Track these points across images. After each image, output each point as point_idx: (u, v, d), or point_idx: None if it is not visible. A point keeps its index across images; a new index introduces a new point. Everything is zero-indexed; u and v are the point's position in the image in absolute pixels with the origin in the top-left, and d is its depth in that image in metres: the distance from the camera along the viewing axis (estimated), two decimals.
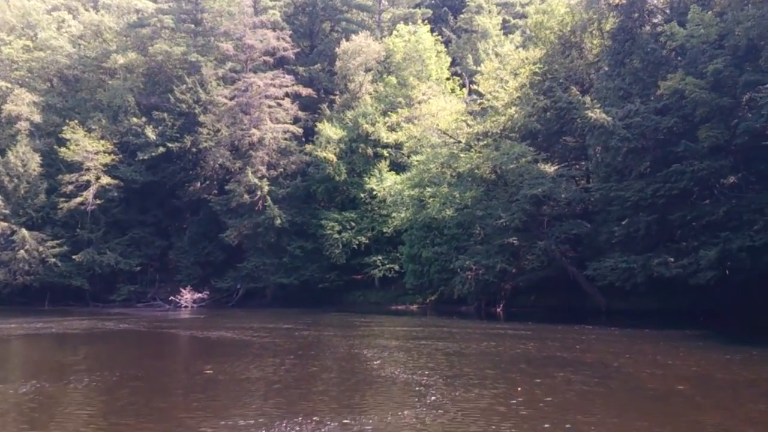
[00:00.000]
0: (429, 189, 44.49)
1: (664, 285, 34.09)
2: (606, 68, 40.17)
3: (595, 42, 43.15)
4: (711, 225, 32.29)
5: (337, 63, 61.81)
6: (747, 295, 31.54)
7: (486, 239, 45.51)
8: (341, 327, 35.11)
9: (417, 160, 43.08)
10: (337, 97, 62.58)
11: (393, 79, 57.73)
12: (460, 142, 41.74)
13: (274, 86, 61.26)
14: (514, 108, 39.39)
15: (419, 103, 46.34)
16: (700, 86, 31.12)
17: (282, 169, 60.53)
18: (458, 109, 42.53)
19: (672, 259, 32.67)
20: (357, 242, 57.28)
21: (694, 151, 32.06)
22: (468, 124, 40.78)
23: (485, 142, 40.29)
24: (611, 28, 39.90)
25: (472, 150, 40.40)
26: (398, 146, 56.66)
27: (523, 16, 65.27)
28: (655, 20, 38.20)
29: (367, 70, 61.77)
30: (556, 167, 40.38)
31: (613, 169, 37.35)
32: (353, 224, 58.05)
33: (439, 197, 42.81)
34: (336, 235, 57.41)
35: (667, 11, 37.61)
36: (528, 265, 42.56)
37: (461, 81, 54.19)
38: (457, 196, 41.55)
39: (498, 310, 46.01)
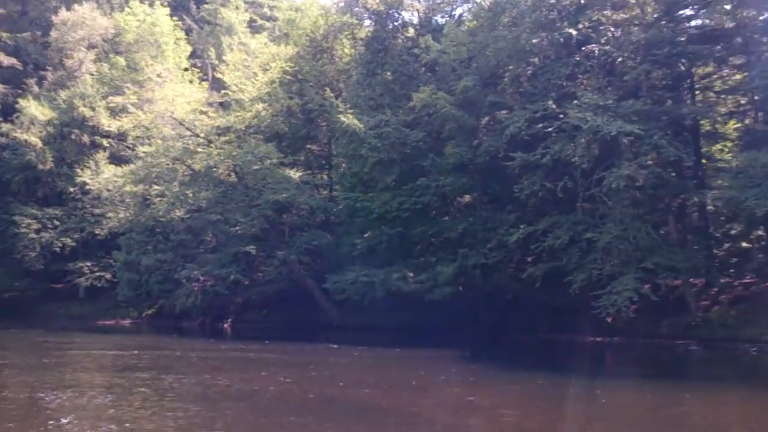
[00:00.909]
0: (157, 186, 39.05)
1: (403, 300, 33.40)
2: (357, 76, 39.14)
3: (346, 50, 42.11)
4: (449, 241, 32.53)
5: (53, 34, 52.81)
6: (476, 312, 32.11)
7: (219, 247, 41.38)
8: (26, 351, 27.63)
9: (144, 152, 37.47)
10: (50, 73, 53.34)
11: (121, 61, 50.79)
12: (198, 135, 37.23)
13: None
14: (261, 105, 36.26)
15: (152, 86, 40.70)
16: (449, 102, 31.20)
17: None
18: (198, 98, 38.05)
19: (411, 274, 32.13)
20: (60, 245, 48.77)
21: (440, 167, 32.05)
22: (209, 116, 36.54)
23: (227, 138, 36.40)
24: (365, 36, 39.07)
25: (212, 146, 36.20)
26: (122, 137, 49.62)
27: (271, 18, 62.78)
28: (409, 34, 38.21)
29: (91, 47, 53.76)
30: (300, 173, 38.06)
31: (359, 179, 36.19)
32: (57, 223, 49.41)
33: (168, 196, 37.66)
34: (33, 235, 48.29)
35: (418, 27, 37.82)
36: (264, 277, 39.37)
37: (201, 74, 49.55)
38: (190, 196, 36.94)
39: (226, 325, 42.06)
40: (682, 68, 30.08)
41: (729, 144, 31.03)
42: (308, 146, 40.97)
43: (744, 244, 30.14)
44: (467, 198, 34.51)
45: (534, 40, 29.07)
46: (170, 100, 37.31)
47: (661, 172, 25.54)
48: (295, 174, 37.73)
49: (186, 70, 48.99)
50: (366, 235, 35.40)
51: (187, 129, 37.03)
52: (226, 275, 37.69)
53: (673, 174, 27.96)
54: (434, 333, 31.49)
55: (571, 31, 28.08)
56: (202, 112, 37.35)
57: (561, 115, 27.48)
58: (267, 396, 16.81)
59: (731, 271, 29.52)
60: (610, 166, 25.86)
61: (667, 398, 16.51)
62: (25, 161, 48.76)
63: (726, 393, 17.59)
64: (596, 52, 28.44)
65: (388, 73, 37.65)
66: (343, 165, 38.94)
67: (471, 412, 15.08)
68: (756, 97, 28.77)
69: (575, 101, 26.22)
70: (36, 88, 52.13)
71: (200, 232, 43.17)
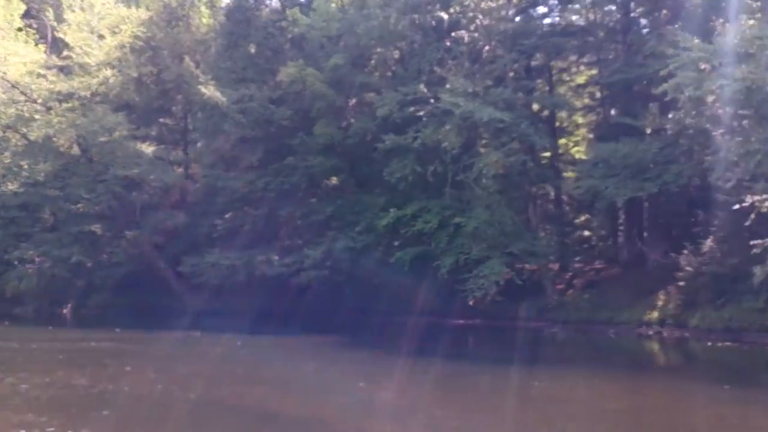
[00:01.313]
0: None
1: (264, 284, 31.77)
2: (217, 47, 36.51)
3: (204, 20, 39.20)
4: (316, 224, 31.39)
5: None
6: (342, 296, 31.28)
7: (58, 225, 37.22)
8: None
9: None
10: None
11: None
12: (35, 101, 32.86)
13: None
14: (110, 71, 32.64)
15: None
16: (319, 79, 29.87)
17: None
18: (36, 59, 33.55)
19: (276, 257, 30.64)
20: None
21: (309, 147, 30.72)
22: (48, 80, 32.30)
23: (70, 105, 32.41)
24: (226, 5, 36.51)
25: (51, 113, 32.07)
26: None
27: None
28: (274, 5, 36.19)
29: None
30: (153, 148, 34.94)
31: (220, 157, 33.93)
32: None
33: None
34: None
35: None
36: (110, 259, 35.95)
37: (38, 36, 44.00)
38: (25, 168, 32.66)
39: (65, 311, 38.10)
40: (541, 61, 30.91)
41: (578, 137, 32.39)
42: (162, 120, 37.78)
43: (588, 233, 31.68)
44: (335, 180, 33.43)
45: (404, 22, 28.43)
46: (2, 59, 32.58)
47: (527, 159, 25.99)
48: (147, 148, 34.58)
49: (20, 30, 43.34)
50: (227, 216, 33.31)
51: (22, 93, 32.58)
52: (66, 256, 33.91)
53: (532, 163, 28.64)
54: (298, 318, 30.30)
55: (442, 14, 27.72)
56: (39, 75, 32.98)
57: (432, 100, 27.13)
58: (142, 400, 13.83)
59: (581, 257, 30.89)
60: (478, 153, 25.89)
61: (520, 376, 16.64)
62: None
63: (577, 371, 17.88)
64: (465, 38, 28.33)
65: (252, 46, 35.45)
66: (201, 141, 36.32)
67: (396, 416, 12.75)
68: (604, 93, 30.19)
69: (447, 86, 25.89)
70: None
71: (36, 208, 38.70)
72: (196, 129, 36.77)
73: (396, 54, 30.97)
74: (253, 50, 35.24)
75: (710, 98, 20.16)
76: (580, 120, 32.58)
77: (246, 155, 32.98)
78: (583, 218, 30.70)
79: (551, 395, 14.52)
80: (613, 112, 29.98)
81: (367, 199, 30.75)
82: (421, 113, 27.06)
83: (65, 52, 33.92)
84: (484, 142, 26.93)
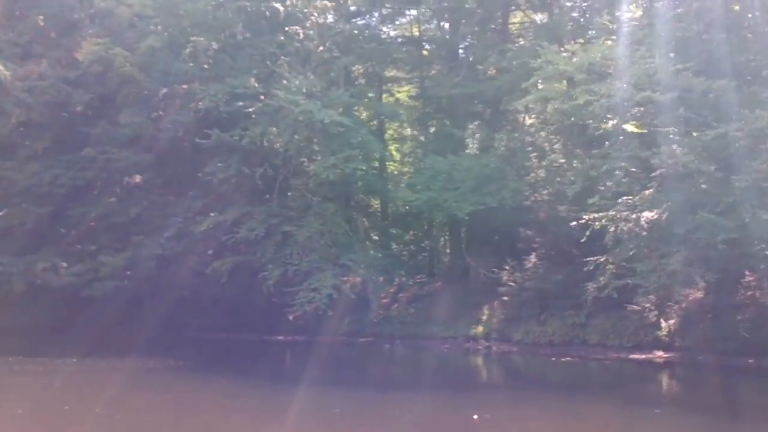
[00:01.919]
0: None
1: (50, 295, 26.33)
2: None
3: None
4: (116, 227, 26.87)
5: None
6: (144, 309, 26.91)
7: None
8: None
9: None
10: None
11: None
12: None
13: None
14: None
15: None
16: (129, 61, 25.64)
17: None
18: None
19: (65, 264, 25.63)
20: None
21: (112, 138, 26.21)
22: None
23: None
24: None
25: None
26: None
27: None
28: None
29: None
30: None
31: (8, 141, 27.74)
32: None
33: None
34: None
35: None
36: None
37: None
38: None
39: None
40: (373, 69, 29.72)
41: (408, 148, 31.70)
42: None
43: (412, 246, 30.85)
44: (138, 178, 28.97)
45: (233, 8, 25.46)
46: None
47: (363, 168, 24.36)
48: None
49: None
50: (1, 214, 27.32)
51: None
52: None
53: (363, 172, 27.11)
54: (88, 336, 25.51)
55: (278, 6, 25.25)
56: None
57: (262, 96, 24.45)
58: None
59: (404, 270, 29.83)
60: (312, 157, 23.77)
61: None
62: None
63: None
64: (301, 35, 26.11)
65: (41, 17, 29.71)
66: None
67: None
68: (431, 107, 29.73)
69: (284, 82, 23.38)
70: None
71: None
72: None
73: (216, 44, 27.63)
74: (42, 22, 29.54)
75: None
76: (408, 132, 31.85)
77: (29, 142, 27.37)
78: (410, 231, 29.70)
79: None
80: (433, 129, 29.57)
81: (180, 202, 26.95)
82: (251, 109, 24.21)
83: None
84: (316, 147, 24.74)
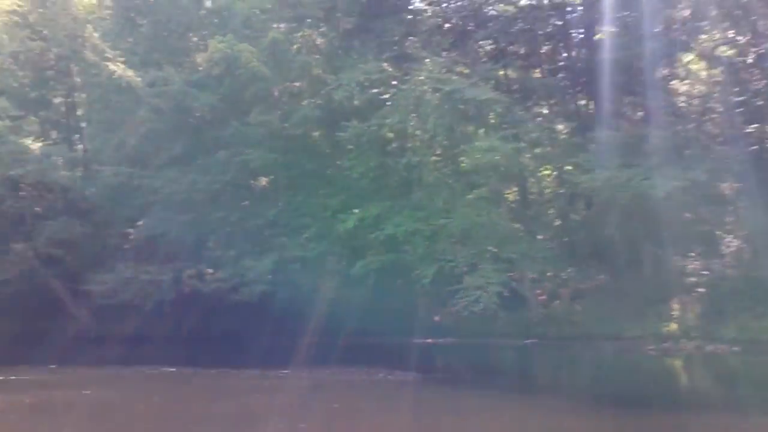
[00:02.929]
0: None
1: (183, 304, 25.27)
2: (113, 26, 29.00)
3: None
4: (253, 230, 25.25)
5: None
6: (296, 315, 25.14)
7: None
8: None
9: None
10: None
11: None
12: None
13: None
14: None
15: None
16: (256, 57, 23.68)
17: None
18: None
19: (211, 271, 24.29)
20: None
21: (244, 138, 24.48)
22: None
23: None
24: None
25: None
26: None
27: None
28: None
29: None
30: (41, 144, 27.35)
31: (126, 153, 26.78)
32: None
33: None
34: None
35: None
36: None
37: None
38: None
39: None
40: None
41: None
42: (44, 112, 29.96)
43: None
44: (264, 181, 27.27)
45: None
46: None
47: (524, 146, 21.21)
48: (33, 144, 27.00)
49: None
50: (139, 224, 26.37)
51: None
52: None
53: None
54: (231, 342, 24.26)
55: None
56: None
57: (394, 82, 21.93)
58: None
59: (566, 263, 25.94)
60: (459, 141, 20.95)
61: None
62: None
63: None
64: (428, 11, 23.28)
65: (158, 23, 28.37)
66: (98, 135, 28.75)
67: None
68: None
69: (427, 61, 20.67)
70: None
71: None
72: (91, 121, 29.25)
73: (339, 30, 25.31)
74: (157, 28, 28.21)
75: None
76: None
77: (161, 150, 26.16)
78: (568, 218, 25.59)
79: None
80: None
81: (317, 201, 24.99)
82: (386, 96, 21.74)
83: None
84: (467, 129, 21.88)
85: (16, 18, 28.37)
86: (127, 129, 25.45)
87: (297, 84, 25.29)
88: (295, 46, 24.98)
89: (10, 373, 17.69)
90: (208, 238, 25.90)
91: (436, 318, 23.59)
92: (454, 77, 19.69)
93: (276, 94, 25.06)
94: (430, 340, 23.55)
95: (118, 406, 14.09)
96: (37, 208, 28.23)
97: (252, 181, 27.38)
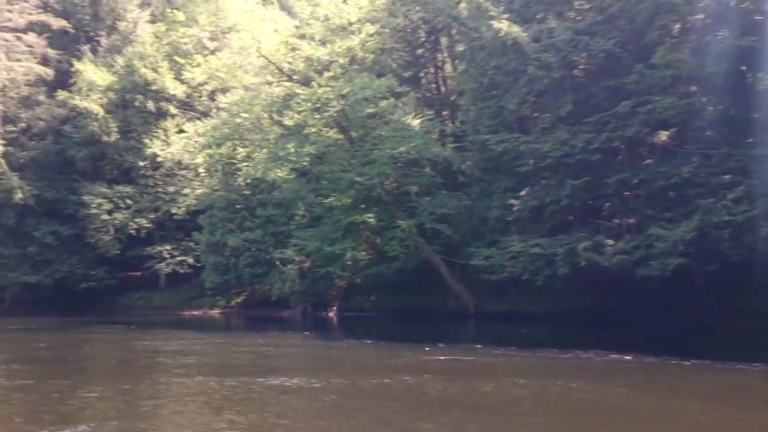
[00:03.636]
0: (241, 149, 28.89)
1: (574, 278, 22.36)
2: None
3: None
4: (660, 193, 21.13)
5: None
6: (708, 292, 20.69)
7: (317, 219, 31.03)
8: (91, 343, 18.58)
9: (227, 102, 27.26)
10: (103, 38, 43.57)
11: (179, 15, 40.76)
12: (291, 77, 26.56)
13: (12, 11, 40.86)
14: (370, 26, 25.39)
15: (230, 31, 30.41)
16: None
17: (24, 125, 40.68)
18: (288, 27, 27.42)
19: (611, 242, 20.93)
20: (135, 227, 39.56)
21: (651, 84, 20.53)
22: (302, 50, 25.80)
23: (333, 73, 25.55)
24: None
25: (313, 85, 25.39)
26: (187, 104, 39.91)
27: None
28: None
29: (144, 5, 43.98)
30: (420, 118, 27.26)
31: (503, 118, 24.99)
32: (129, 202, 40.17)
33: (259, 156, 27.31)
34: (105, 216, 39.42)
35: None
36: (380, 254, 28.84)
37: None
38: (292, 150, 26.34)
39: (331, 314, 32.25)
40: None
41: None
42: (424, 73, 29.88)
43: None
44: (664, 135, 22.81)
45: None
46: (255, 38, 26.54)
47: None
48: (414, 119, 27.02)
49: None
50: (522, 193, 24.35)
51: (278, 68, 26.37)
52: (339, 253, 27.40)
53: None
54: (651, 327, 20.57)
55: None
56: (290, 49, 26.58)
57: None
58: None
59: None
60: None
61: None
62: (88, 134, 39.82)
63: None
64: None
65: None
66: (474, 104, 27.57)
67: None
68: None
69: None
70: (90, 55, 42.46)
71: (289, 205, 33.30)
72: (465, 92, 28.29)
73: None
74: None
75: None
76: None
77: (545, 111, 23.74)
78: None
79: None
80: None
81: (743, 152, 19.86)
82: None
83: (318, 14, 27.11)
84: None
85: None
86: (511, 93, 23.61)
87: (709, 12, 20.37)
88: None
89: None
90: (602, 205, 22.70)
91: None
92: None
93: (687, 26, 20.54)
94: None
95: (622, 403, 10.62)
96: (415, 185, 28.52)
97: (653, 137, 23.31)
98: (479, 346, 18.19)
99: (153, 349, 18.22)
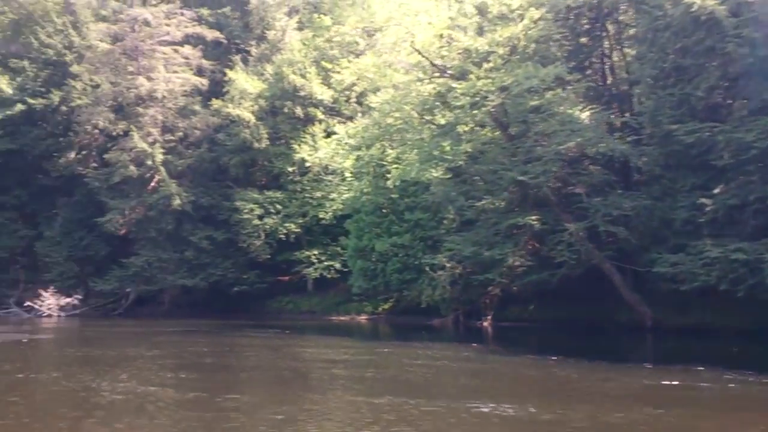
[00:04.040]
0: (392, 149, 27.95)
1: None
2: None
3: None
4: None
5: (252, 1, 44.43)
6: None
7: (471, 223, 29.34)
8: (253, 348, 18.82)
9: (377, 102, 26.44)
10: (253, 47, 44.82)
11: (326, 20, 40.63)
12: (445, 70, 25.17)
13: (170, 25, 43.14)
14: (534, 11, 23.39)
15: (379, 31, 29.79)
16: None
17: (181, 134, 42.74)
18: (441, 25, 26.06)
19: None
20: (285, 232, 40.13)
21: None
22: (458, 41, 24.25)
23: (492, 64, 23.80)
24: None
25: (472, 77, 23.77)
26: (334, 109, 39.89)
27: None
28: None
29: (293, 12, 44.69)
30: (589, 110, 24.77)
31: (704, 102, 21.86)
32: (279, 207, 40.87)
33: (411, 156, 26.18)
34: (256, 221, 40.27)
35: None
36: (544, 260, 26.57)
37: None
38: (447, 149, 24.95)
39: (485, 324, 30.44)
40: None
41: None
42: (590, 61, 27.35)
43: None
44: None
45: None
46: (408, 32, 25.49)
47: None
48: (583, 112, 24.60)
49: None
50: (716, 191, 21.18)
51: (432, 63, 25.07)
52: (499, 258, 25.59)
53: None
54: None
55: None
56: (446, 41, 25.21)
57: None
58: None
59: None
60: None
61: None
62: (240, 141, 41.00)
63: None
64: None
65: None
66: (651, 94, 24.58)
67: None
68: None
69: None
70: (242, 64, 43.81)
71: (438, 209, 31.98)
72: (642, 79, 25.33)
73: None
74: None
75: None
76: None
77: (745, 95, 20.47)
78: None
79: None
80: None
81: None
82: None
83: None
84: None
85: None
86: (701, 77, 20.60)
87: None
88: None
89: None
90: None
91: None
92: None
93: None
94: None
95: None
96: (582, 184, 26.03)
97: None
98: (701, 368, 15.50)
99: (321, 359, 17.52)
